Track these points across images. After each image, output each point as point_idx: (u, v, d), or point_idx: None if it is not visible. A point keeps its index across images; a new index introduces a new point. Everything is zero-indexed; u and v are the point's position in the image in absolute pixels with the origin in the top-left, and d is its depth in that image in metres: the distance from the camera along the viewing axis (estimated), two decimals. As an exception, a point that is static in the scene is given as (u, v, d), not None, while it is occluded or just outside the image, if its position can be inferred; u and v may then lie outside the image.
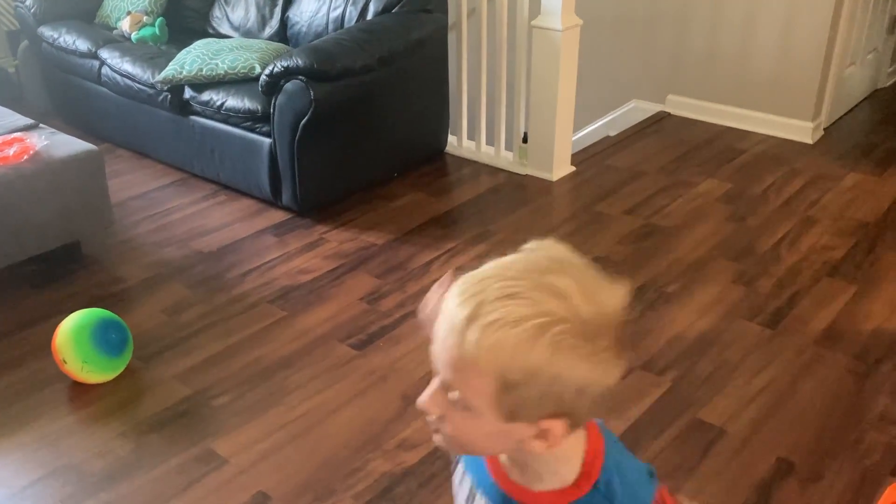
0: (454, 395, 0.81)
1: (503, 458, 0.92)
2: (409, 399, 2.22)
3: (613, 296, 0.80)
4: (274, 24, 3.80)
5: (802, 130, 3.91)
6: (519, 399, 0.79)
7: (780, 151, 3.81)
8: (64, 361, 2.25)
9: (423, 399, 0.84)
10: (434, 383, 0.84)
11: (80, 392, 2.28)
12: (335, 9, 3.54)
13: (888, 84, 4.69)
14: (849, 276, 2.78)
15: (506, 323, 0.76)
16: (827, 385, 2.25)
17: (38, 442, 2.09)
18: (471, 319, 0.77)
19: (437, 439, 0.87)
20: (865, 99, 4.49)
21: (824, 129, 4.04)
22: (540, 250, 0.84)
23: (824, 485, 1.91)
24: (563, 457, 0.88)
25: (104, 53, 3.69)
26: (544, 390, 0.78)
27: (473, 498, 0.97)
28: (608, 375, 0.80)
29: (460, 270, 0.85)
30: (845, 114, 4.26)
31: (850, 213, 3.21)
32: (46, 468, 2.01)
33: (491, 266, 0.82)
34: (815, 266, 2.84)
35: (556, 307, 0.77)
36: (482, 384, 0.79)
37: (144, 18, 3.90)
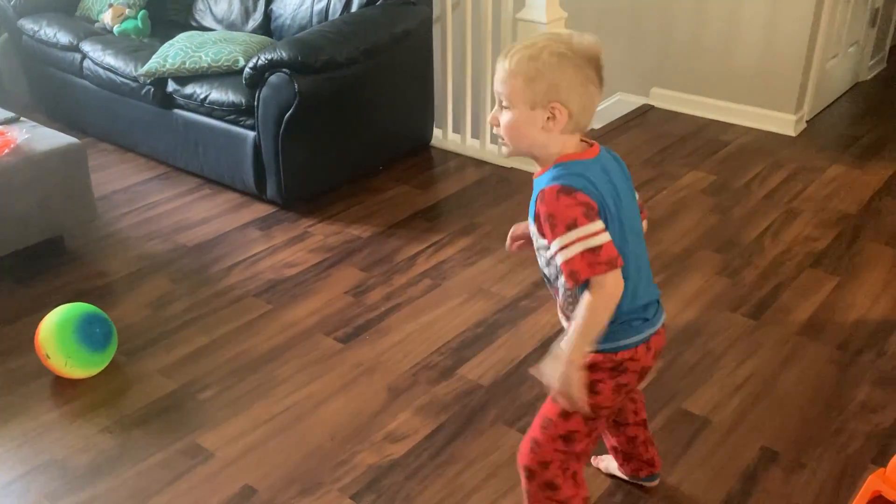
0: (504, 101, 1.39)
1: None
2: (395, 391, 2.22)
3: (592, 39, 1.37)
4: (258, 16, 3.78)
5: (785, 123, 3.94)
6: (534, 90, 1.35)
7: (764, 144, 3.84)
8: (47, 356, 2.23)
9: (490, 117, 1.43)
10: (495, 108, 1.42)
11: (63, 387, 2.27)
12: (319, 1, 3.52)
13: (870, 77, 4.73)
14: (831, 267, 2.81)
15: (525, 48, 1.36)
16: (810, 375, 2.28)
17: (22, 437, 2.08)
18: (507, 55, 1.38)
19: (504, 149, 1.45)
20: (847, 92, 4.52)
21: (807, 122, 4.07)
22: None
23: (807, 473, 1.94)
24: (555, 148, 1.41)
25: (86, 46, 3.66)
26: (549, 82, 1.34)
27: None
28: (587, 84, 1.36)
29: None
30: (827, 106, 4.29)
31: (832, 205, 3.23)
32: (30, 464, 1.99)
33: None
34: (798, 257, 2.86)
35: (555, 39, 1.36)
36: (515, 85, 1.36)
37: (127, 11, 3.87)
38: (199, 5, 4.01)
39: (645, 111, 4.26)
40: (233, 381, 2.28)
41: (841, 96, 4.45)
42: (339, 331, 2.49)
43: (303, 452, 2.02)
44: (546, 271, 1.51)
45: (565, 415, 1.50)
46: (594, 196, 1.35)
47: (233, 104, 3.14)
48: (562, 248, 1.34)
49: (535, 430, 1.56)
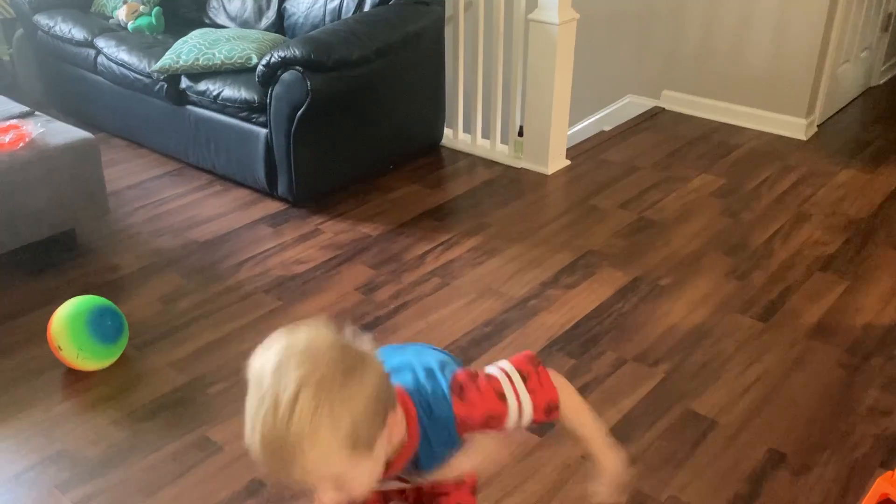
0: (341, 485, 0.97)
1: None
2: (404, 388, 2.23)
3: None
4: (271, 14, 3.80)
5: (796, 127, 3.93)
6: (363, 440, 0.95)
7: (774, 147, 3.83)
8: (59, 349, 2.25)
9: None
10: (317, 495, 1.00)
11: (75, 379, 2.28)
12: (332, 0, 3.54)
13: (881, 82, 4.72)
14: (841, 271, 2.80)
15: (319, 430, 0.91)
16: (818, 378, 2.27)
17: (33, 428, 2.10)
18: (293, 459, 0.92)
19: None
20: (859, 96, 4.51)
21: (818, 126, 4.07)
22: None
23: (814, 475, 1.94)
24: (398, 436, 1.08)
25: (100, 42, 3.68)
26: (368, 413, 0.95)
27: None
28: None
29: None
30: (839, 111, 4.28)
31: (842, 209, 3.23)
32: (41, 454, 2.01)
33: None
34: (808, 261, 2.86)
35: (321, 361, 0.94)
36: (341, 460, 0.94)
37: (141, 7, 3.89)
38: (213, 3, 4.03)
39: (655, 114, 4.26)
40: (242, 375, 2.28)
41: (852, 101, 4.44)
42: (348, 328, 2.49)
43: (311, 447, 2.03)
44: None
45: None
46: None
47: (245, 101, 3.16)
48: (521, 399, 1.13)
49: None
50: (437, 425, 1.11)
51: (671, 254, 2.90)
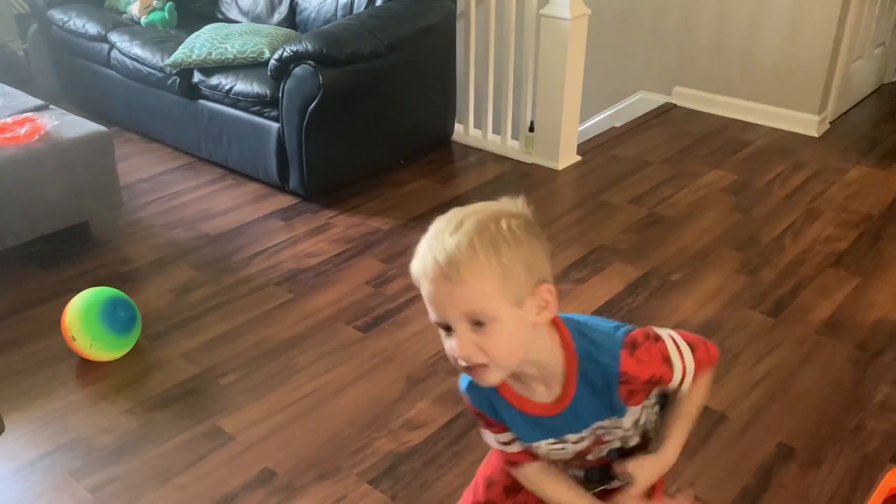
0: (480, 318, 1.00)
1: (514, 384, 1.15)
2: (414, 380, 2.24)
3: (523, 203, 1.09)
4: (283, 9, 3.81)
5: (808, 123, 3.92)
6: (514, 282, 1.00)
7: (786, 144, 3.82)
8: (73, 339, 2.27)
9: (459, 351, 1.02)
10: (456, 334, 1.02)
11: (88, 369, 2.31)
12: (344, -5, 3.55)
13: (895, 79, 4.69)
14: (852, 267, 2.80)
15: (465, 248, 0.98)
16: (828, 373, 2.27)
17: (47, 417, 2.12)
18: (442, 262, 0.98)
19: (490, 378, 1.06)
20: (872, 93, 4.49)
21: (830, 123, 4.05)
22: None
23: (824, 470, 1.93)
24: (546, 343, 1.10)
25: (114, 37, 3.71)
26: (525, 266, 1.01)
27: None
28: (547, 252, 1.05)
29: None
30: (851, 108, 4.26)
31: (854, 206, 3.22)
32: (55, 443, 2.03)
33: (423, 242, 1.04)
34: (819, 257, 2.86)
35: (504, 213, 1.04)
36: (489, 289, 0.99)
37: (154, 2, 3.91)
38: (226, -2, 4.05)
39: (667, 110, 4.26)
40: (254, 367, 2.31)
41: (866, 98, 4.42)
42: (358, 320, 2.51)
43: (322, 438, 2.05)
44: (611, 447, 1.24)
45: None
46: None
47: (257, 95, 3.18)
48: (682, 376, 1.16)
49: None
50: (597, 371, 1.11)
51: (682, 249, 2.90)
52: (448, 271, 0.98)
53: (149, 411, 2.14)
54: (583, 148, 3.71)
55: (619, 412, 1.16)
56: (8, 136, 2.69)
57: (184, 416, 2.12)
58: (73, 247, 2.90)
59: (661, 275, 2.75)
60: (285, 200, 3.27)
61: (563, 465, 1.28)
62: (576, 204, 3.27)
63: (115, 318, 2.28)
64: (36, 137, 2.70)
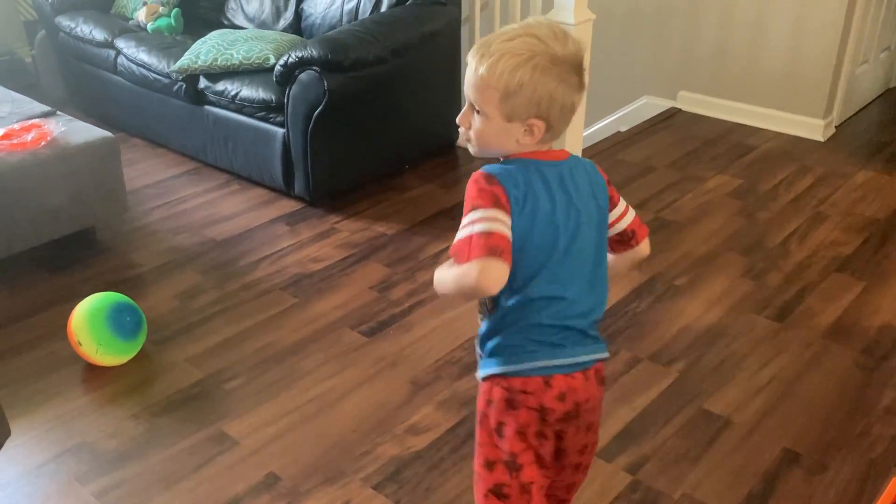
0: (477, 108, 1.23)
1: None
2: (418, 385, 2.25)
3: (576, 42, 1.22)
4: (288, 15, 3.83)
5: (814, 128, 3.92)
6: (513, 104, 1.20)
7: (791, 148, 3.82)
8: (79, 343, 2.28)
9: (459, 118, 1.28)
10: (465, 107, 1.27)
11: (94, 374, 2.32)
12: (349, 1, 3.56)
13: (901, 83, 4.69)
14: (858, 271, 2.79)
15: (504, 54, 1.19)
16: (833, 378, 2.27)
17: (53, 421, 2.13)
18: (482, 56, 1.21)
19: (470, 147, 1.30)
20: (878, 97, 4.48)
21: (836, 127, 4.05)
22: (530, 21, 1.26)
23: (829, 475, 1.93)
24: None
25: (120, 43, 3.73)
26: (529, 98, 1.20)
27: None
28: (571, 95, 1.23)
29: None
30: (857, 112, 4.25)
31: (860, 210, 3.21)
32: (61, 447, 2.04)
33: (496, 32, 1.24)
34: (825, 261, 2.85)
35: (537, 46, 1.19)
36: (491, 95, 1.21)
37: (160, 9, 3.93)
38: (232, 4, 4.07)
39: (672, 114, 4.26)
40: (259, 371, 2.32)
41: (871, 102, 4.41)
42: (363, 325, 2.52)
43: (326, 442, 2.05)
44: None
45: (489, 465, 1.35)
46: (513, 192, 1.22)
47: (263, 101, 3.19)
48: (461, 228, 1.21)
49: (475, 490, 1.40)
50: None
51: (687, 253, 2.90)
52: (477, 66, 1.21)
53: (154, 416, 2.15)
54: (588, 153, 3.71)
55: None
56: (15, 141, 2.70)
57: (189, 421, 2.13)
58: (79, 252, 2.91)
59: (666, 279, 2.74)
60: (290, 205, 3.28)
61: None
62: (580, 209, 3.27)
63: (120, 323, 2.29)
64: (43, 143, 2.72)
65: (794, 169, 3.59)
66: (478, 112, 1.24)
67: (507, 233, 1.19)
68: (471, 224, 1.19)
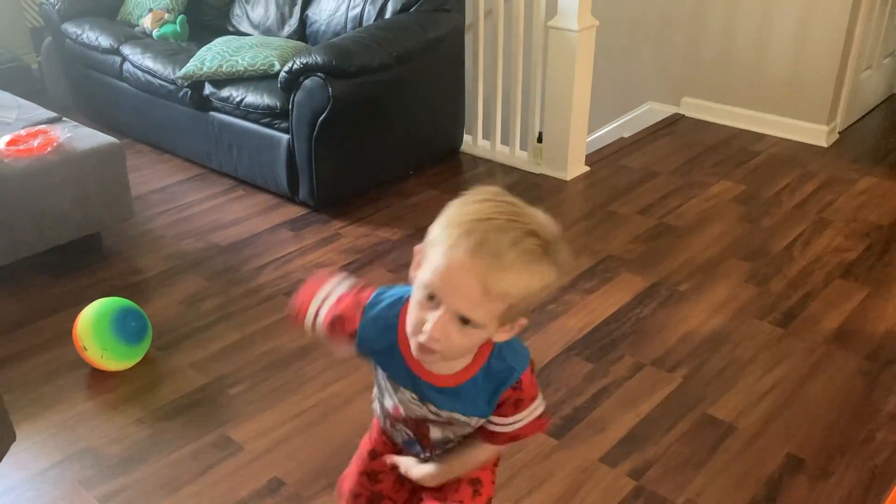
0: (471, 321, 1.01)
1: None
2: (422, 391, 2.25)
3: (552, 221, 1.05)
4: (293, 22, 3.85)
5: (817, 134, 3.92)
6: (514, 312, 1.03)
7: (795, 154, 3.82)
8: (84, 348, 2.29)
9: (432, 331, 1.01)
10: (441, 315, 1.01)
11: (99, 379, 2.33)
12: (354, 7, 3.58)
13: (905, 89, 4.69)
14: (861, 277, 2.79)
15: (519, 267, 0.98)
16: (837, 384, 2.26)
17: (58, 426, 2.14)
18: (491, 267, 0.97)
19: (427, 357, 1.07)
20: (881, 103, 4.48)
21: (839, 133, 4.05)
22: (488, 195, 1.08)
23: (833, 481, 1.93)
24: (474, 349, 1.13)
25: (126, 49, 3.75)
26: (530, 303, 1.03)
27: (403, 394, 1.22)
28: (562, 278, 1.05)
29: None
30: (861, 118, 4.25)
31: (863, 216, 3.21)
32: (66, 451, 2.05)
33: (473, 211, 1.04)
34: (828, 267, 2.85)
35: (539, 240, 1.00)
36: (496, 308, 1.01)
37: (166, 16, 3.96)
38: (237, 11, 4.09)
39: (675, 120, 4.26)
40: (263, 377, 2.32)
41: (875, 108, 4.41)
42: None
43: (330, 448, 2.05)
44: (444, 436, 1.26)
45: None
46: None
47: (268, 107, 3.20)
48: (522, 419, 1.21)
49: None
50: (500, 368, 1.15)
51: (690, 259, 2.90)
52: (484, 277, 0.97)
53: (158, 421, 2.16)
54: (591, 158, 3.72)
55: (484, 413, 1.20)
56: (21, 147, 2.72)
57: (193, 426, 2.14)
58: (84, 257, 2.93)
59: (669, 285, 2.75)
60: (295, 211, 3.29)
61: (396, 419, 1.29)
62: (584, 214, 3.28)
63: (125, 328, 2.30)
64: (49, 149, 2.73)
65: (798, 175, 3.59)
66: (466, 323, 1.01)
67: None
68: (536, 409, 1.23)
